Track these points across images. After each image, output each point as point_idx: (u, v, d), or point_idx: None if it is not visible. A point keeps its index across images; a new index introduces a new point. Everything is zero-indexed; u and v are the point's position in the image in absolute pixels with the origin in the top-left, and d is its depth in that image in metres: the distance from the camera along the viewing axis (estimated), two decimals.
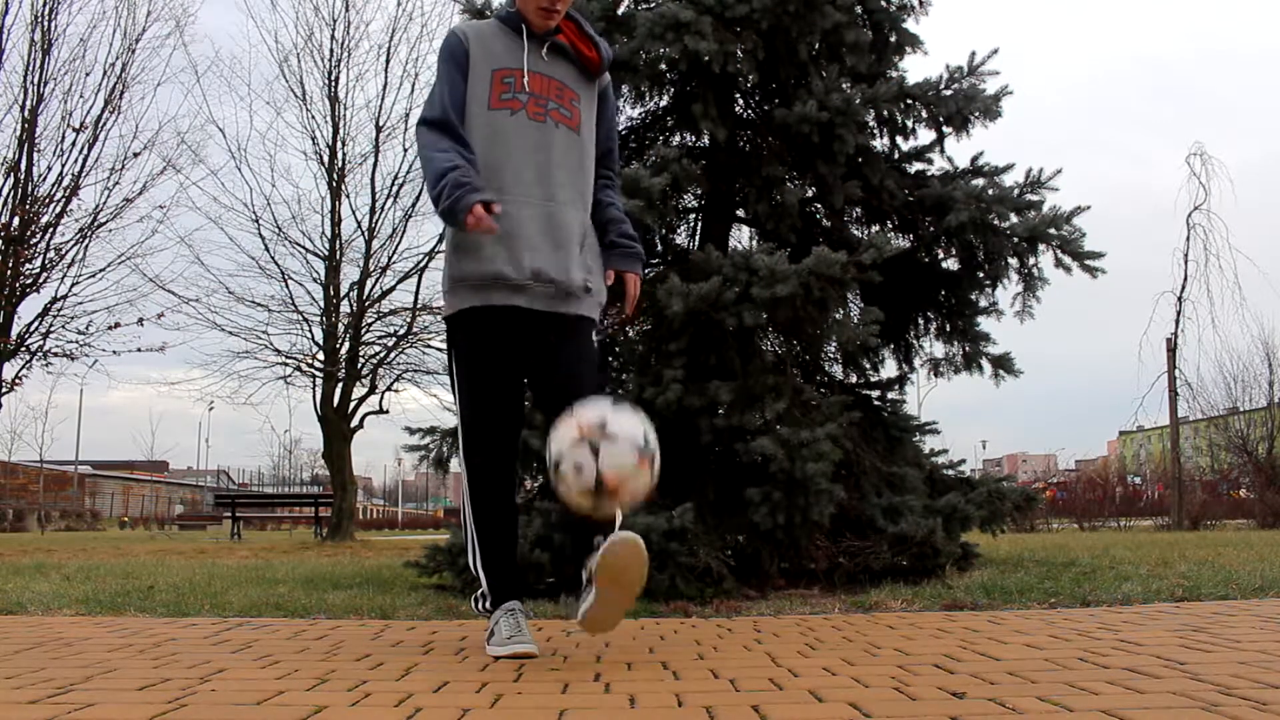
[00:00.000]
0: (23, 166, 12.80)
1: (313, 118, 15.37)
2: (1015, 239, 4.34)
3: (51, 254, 12.67)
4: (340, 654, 2.31)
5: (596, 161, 2.54)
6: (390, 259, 15.33)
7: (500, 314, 2.35)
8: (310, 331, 15.33)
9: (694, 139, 4.65)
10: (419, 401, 19.90)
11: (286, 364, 15.28)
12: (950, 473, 4.59)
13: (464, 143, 2.34)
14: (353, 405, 15.22)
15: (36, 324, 12.63)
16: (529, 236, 2.34)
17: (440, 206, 2.22)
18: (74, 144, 13.06)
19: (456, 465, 4.55)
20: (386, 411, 15.60)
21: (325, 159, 15.26)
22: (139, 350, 12.96)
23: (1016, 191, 4.46)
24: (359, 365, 15.13)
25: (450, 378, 2.48)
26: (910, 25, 4.66)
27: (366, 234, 15.31)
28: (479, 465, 2.39)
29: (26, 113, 12.99)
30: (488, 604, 2.40)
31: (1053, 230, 4.27)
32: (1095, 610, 3.01)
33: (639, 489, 2.07)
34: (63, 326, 12.77)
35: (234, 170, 26.18)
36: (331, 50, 15.48)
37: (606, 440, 2.03)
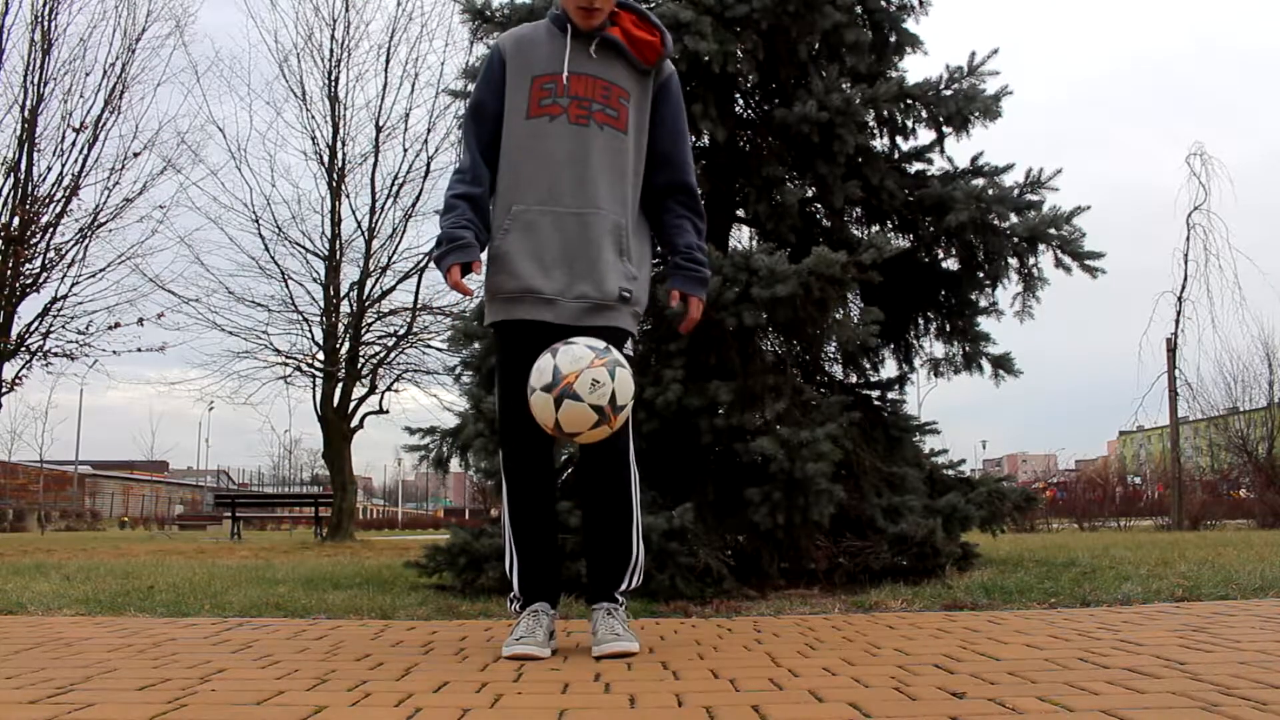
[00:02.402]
0: (23, 166, 12.81)
1: (313, 118, 15.41)
2: (1015, 239, 4.34)
3: (51, 254, 12.69)
4: (340, 654, 2.31)
5: (658, 166, 2.45)
6: (390, 259, 15.37)
7: (531, 327, 2.32)
8: (310, 331, 15.36)
9: (694, 139, 4.65)
10: (419, 401, 19.97)
11: (286, 364, 15.31)
12: (950, 473, 4.60)
13: (478, 158, 2.38)
14: (353, 405, 15.24)
15: (36, 324, 12.64)
16: (563, 249, 2.31)
17: (434, 255, 2.33)
18: (74, 144, 13.09)
19: (457, 465, 4.57)
20: (386, 411, 15.62)
21: (325, 159, 15.28)
22: (139, 350, 13.00)
23: (1016, 191, 4.46)
24: (359, 365, 15.14)
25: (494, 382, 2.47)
26: (910, 25, 4.66)
27: (366, 234, 15.33)
28: (515, 470, 2.37)
29: (26, 113, 13.00)
30: (519, 605, 2.38)
31: (1053, 230, 4.27)
32: (1095, 610, 3.01)
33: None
34: (63, 326, 12.80)
35: (234, 170, 26.18)
36: (331, 50, 15.52)
37: (621, 367, 2.12)
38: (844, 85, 4.36)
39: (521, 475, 2.39)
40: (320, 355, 15.14)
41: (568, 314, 2.32)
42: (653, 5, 4.07)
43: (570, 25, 2.37)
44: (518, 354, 2.33)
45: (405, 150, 15.47)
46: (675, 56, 2.54)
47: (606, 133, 2.35)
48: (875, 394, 4.77)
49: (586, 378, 2.07)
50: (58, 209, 12.82)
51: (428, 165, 15.24)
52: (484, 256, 2.42)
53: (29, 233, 12.40)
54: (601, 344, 2.15)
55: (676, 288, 2.43)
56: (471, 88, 4.42)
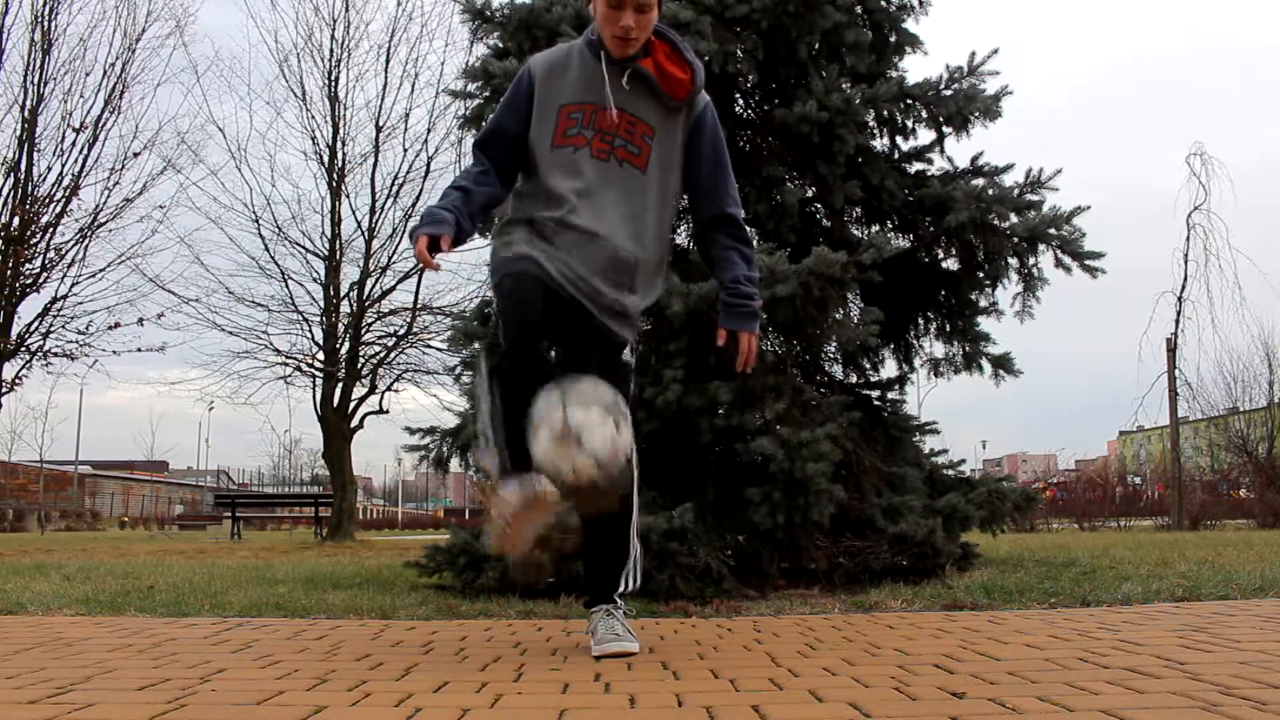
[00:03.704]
0: (23, 166, 12.82)
1: (313, 118, 15.40)
2: (1015, 239, 4.34)
3: (51, 254, 12.69)
4: (340, 654, 2.31)
5: (701, 200, 2.42)
6: (390, 259, 15.35)
7: (538, 278, 2.24)
8: (310, 331, 15.35)
9: None
10: (419, 401, 19.97)
11: (286, 364, 15.30)
12: (950, 473, 4.59)
13: (490, 168, 2.36)
14: (353, 405, 15.23)
15: (36, 324, 12.64)
16: (570, 259, 2.27)
17: (410, 229, 2.32)
18: (74, 144, 13.09)
19: (457, 465, 4.57)
20: (386, 411, 15.62)
21: (325, 159, 15.28)
22: (139, 350, 13.01)
23: (1016, 191, 4.46)
24: (359, 365, 15.13)
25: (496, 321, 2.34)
26: (910, 25, 4.66)
27: (366, 234, 15.33)
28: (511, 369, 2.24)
29: (26, 113, 13.01)
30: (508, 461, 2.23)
31: (1053, 230, 4.27)
32: (1095, 610, 3.01)
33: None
34: (63, 326, 12.80)
35: (234, 170, 26.12)
36: (331, 50, 15.52)
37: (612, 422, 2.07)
38: (844, 85, 4.36)
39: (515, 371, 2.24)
40: (320, 355, 15.15)
41: (569, 292, 2.27)
42: None
43: (604, 53, 2.33)
44: (521, 292, 2.21)
45: (405, 150, 15.45)
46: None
47: (625, 170, 2.33)
48: (875, 394, 4.77)
49: (596, 427, 2.04)
50: (58, 209, 12.83)
51: (428, 165, 15.23)
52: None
53: (29, 233, 12.40)
54: (610, 396, 2.10)
55: (723, 326, 2.35)
56: (473, 88, 4.44)
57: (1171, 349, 13.89)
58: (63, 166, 13.04)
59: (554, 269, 2.25)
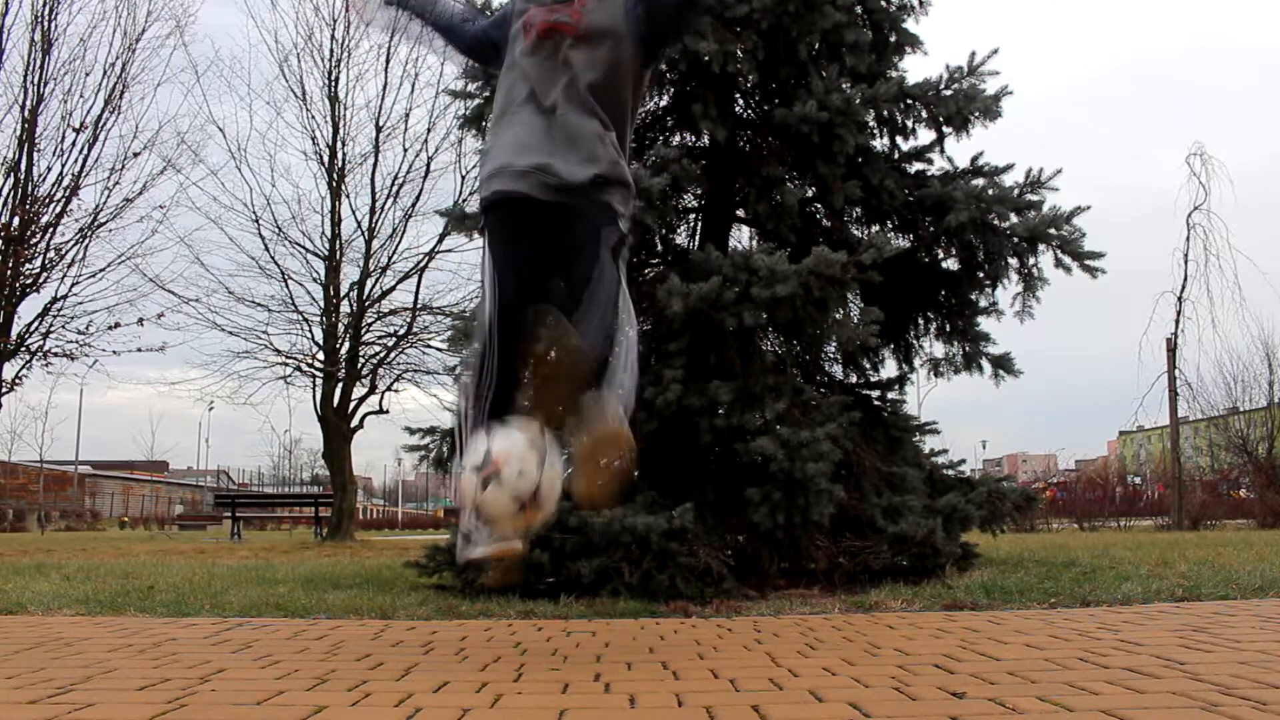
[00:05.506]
0: (23, 166, 12.80)
1: (313, 118, 15.37)
2: (1015, 239, 4.34)
3: (51, 254, 12.67)
4: (340, 654, 2.31)
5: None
6: (390, 259, 15.33)
7: (510, 203, 2.35)
8: (310, 331, 15.33)
9: (694, 139, 4.65)
10: (419, 401, 19.95)
11: (286, 364, 15.27)
12: (950, 473, 4.59)
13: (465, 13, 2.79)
14: (353, 405, 15.22)
15: (36, 324, 12.62)
16: (536, 143, 2.36)
17: None
18: (74, 144, 13.06)
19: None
20: (386, 411, 15.61)
21: (325, 159, 15.25)
22: (139, 350, 12.98)
23: (1016, 191, 4.46)
24: (359, 365, 15.12)
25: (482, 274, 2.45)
26: (910, 25, 4.66)
27: (366, 234, 15.30)
28: (501, 329, 2.28)
29: (26, 113, 12.99)
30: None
31: (1053, 230, 4.27)
32: (1095, 610, 3.01)
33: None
34: (63, 326, 12.77)
35: (234, 170, 26.10)
36: (331, 50, 15.49)
37: (553, 467, 2.10)
38: (844, 85, 4.36)
39: (507, 336, 2.27)
40: (320, 355, 15.13)
41: (540, 190, 2.33)
42: None
43: None
44: (503, 226, 2.35)
45: (405, 150, 15.39)
46: None
47: (583, 53, 2.41)
48: (875, 394, 4.77)
49: (514, 465, 2.04)
50: (58, 209, 12.81)
51: (428, 165, 15.20)
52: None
53: (29, 233, 12.39)
54: (538, 435, 2.13)
55: None
56: (473, 88, 4.47)
57: (1171, 349, 13.90)
58: (63, 166, 13.03)
59: (519, 161, 2.33)
